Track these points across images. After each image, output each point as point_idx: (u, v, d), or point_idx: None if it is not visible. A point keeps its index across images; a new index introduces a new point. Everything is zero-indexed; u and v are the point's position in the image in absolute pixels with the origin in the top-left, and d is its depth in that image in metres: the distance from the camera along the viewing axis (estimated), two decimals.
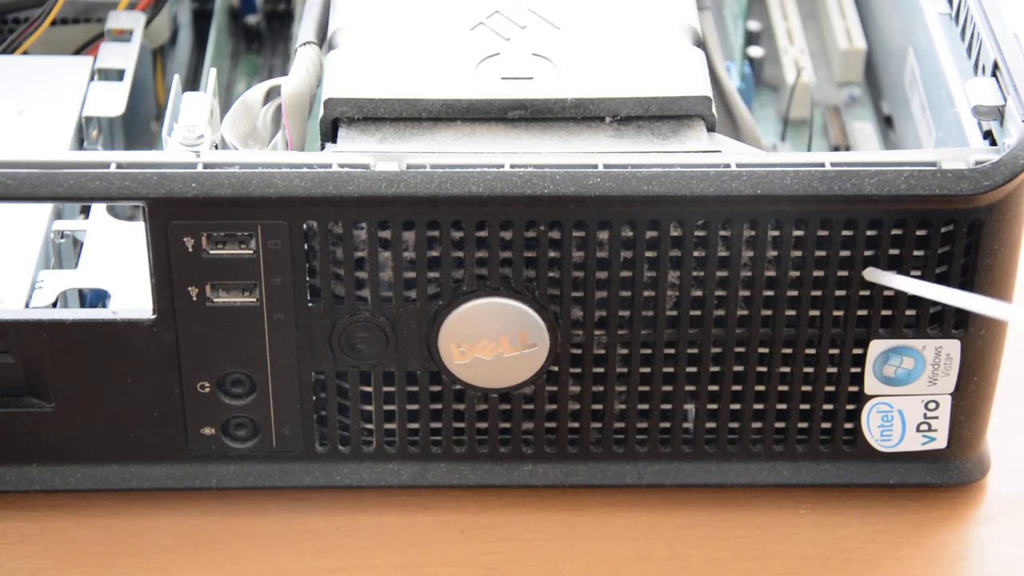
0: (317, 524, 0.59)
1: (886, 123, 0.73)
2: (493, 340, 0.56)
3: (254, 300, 0.55)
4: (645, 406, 0.58)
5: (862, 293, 0.56)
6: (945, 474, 0.60)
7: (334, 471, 0.59)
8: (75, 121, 0.64)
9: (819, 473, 0.60)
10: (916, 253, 0.55)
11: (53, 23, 0.69)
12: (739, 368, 0.57)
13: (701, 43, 0.59)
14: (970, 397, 0.58)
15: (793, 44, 0.76)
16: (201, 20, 0.78)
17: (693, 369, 0.57)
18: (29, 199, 0.53)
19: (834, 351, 0.57)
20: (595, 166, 0.54)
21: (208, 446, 0.58)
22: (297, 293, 0.55)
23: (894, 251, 0.55)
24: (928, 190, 0.54)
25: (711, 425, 0.59)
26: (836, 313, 0.56)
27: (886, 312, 0.57)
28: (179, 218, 0.54)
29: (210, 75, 0.61)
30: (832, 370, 0.58)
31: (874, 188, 0.54)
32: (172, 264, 0.54)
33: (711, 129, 0.56)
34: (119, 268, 0.59)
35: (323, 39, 0.61)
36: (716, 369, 0.58)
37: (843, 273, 0.56)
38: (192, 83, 0.74)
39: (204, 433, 0.58)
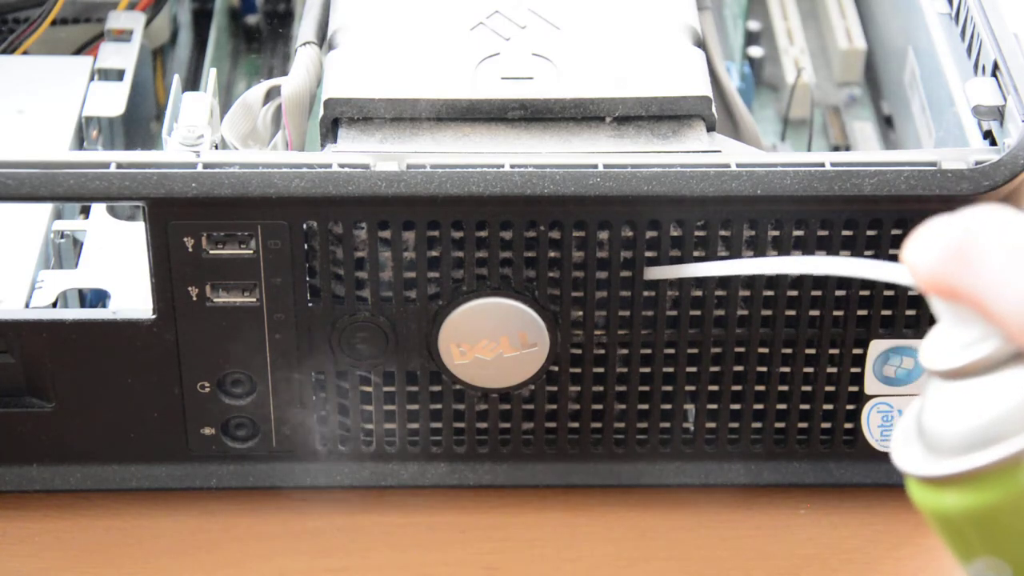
0: (317, 524, 0.59)
1: (886, 123, 0.73)
2: (493, 340, 0.56)
3: (254, 300, 0.55)
4: (645, 406, 0.58)
5: (862, 293, 0.56)
6: None
7: (334, 471, 0.59)
8: (75, 121, 0.64)
9: (819, 473, 0.59)
10: None
11: (53, 23, 0.69)
12: (739, 368, 0.57)
13: (701, 43, 0.59)
14: None
15: (793, 44, 0.76)
16: (201, 20, 0.78)
17: (693, 369, 0.57)
18: (29, 199, 0.53)
19: (834, 351, 0.57)
20: (595, 166, 0.54)
21: (208, 446, 0.58)
22: (297, 293, 0.55)
23: (894, 251, 0.55)
24: (928, 190, 0.54)
25: (711, 425, 0.59)
26: (836, 313, 0.56)
27: (886, 312, 0.57)
28: (179, 218, 0.54)
29: (210, 75, 0.61)
30: (832, 370, 0.58)
31: (874, 188, 0.54)
32: (172, 264, 0.54)
33: (711, 129, 0.56)
34: (119, 268, 0.59)
35: (323, 39, 0.61)
36: (716, 369, 0.58)
37: None
38: (192, 83, 0.74)
39: (204, 433, 0.58)
